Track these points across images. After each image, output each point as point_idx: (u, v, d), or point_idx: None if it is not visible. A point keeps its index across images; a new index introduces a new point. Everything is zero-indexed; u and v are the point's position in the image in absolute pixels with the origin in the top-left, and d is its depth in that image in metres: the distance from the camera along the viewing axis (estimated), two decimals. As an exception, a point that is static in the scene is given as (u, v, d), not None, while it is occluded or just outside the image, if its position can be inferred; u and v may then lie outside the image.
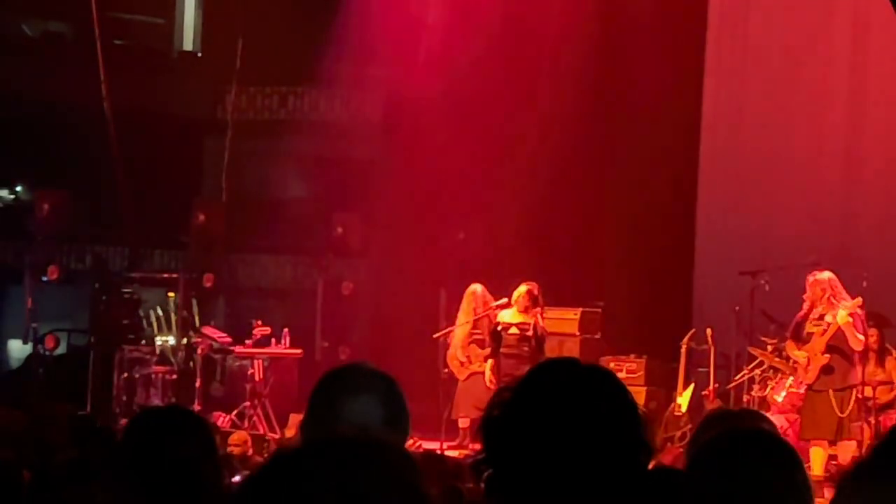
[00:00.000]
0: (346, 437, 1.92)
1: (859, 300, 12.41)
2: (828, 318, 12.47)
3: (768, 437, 2.69)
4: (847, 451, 12.25)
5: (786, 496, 2.61)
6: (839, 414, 12.31)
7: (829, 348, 12.52)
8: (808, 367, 12.67)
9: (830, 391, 12.46)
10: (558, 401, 2.53)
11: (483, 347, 14.48)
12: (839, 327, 12.35)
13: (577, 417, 2.51)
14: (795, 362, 12.92)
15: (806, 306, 12.66)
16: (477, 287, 14.64)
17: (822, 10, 15.57)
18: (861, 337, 12.41)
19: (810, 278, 12.59)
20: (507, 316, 14.28)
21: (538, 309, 14.17)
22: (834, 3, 15.50)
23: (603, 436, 2.51)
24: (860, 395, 12.52)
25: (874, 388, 12.89)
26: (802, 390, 13.22)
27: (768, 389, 13.61)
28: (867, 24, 14.71)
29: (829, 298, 12.44)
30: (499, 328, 14.21)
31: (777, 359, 13.70)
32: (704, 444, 2.63)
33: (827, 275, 12.55)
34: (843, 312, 12.33)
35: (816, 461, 12.20)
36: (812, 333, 12.61)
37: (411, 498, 1.85)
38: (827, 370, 12.53)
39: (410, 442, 12.81)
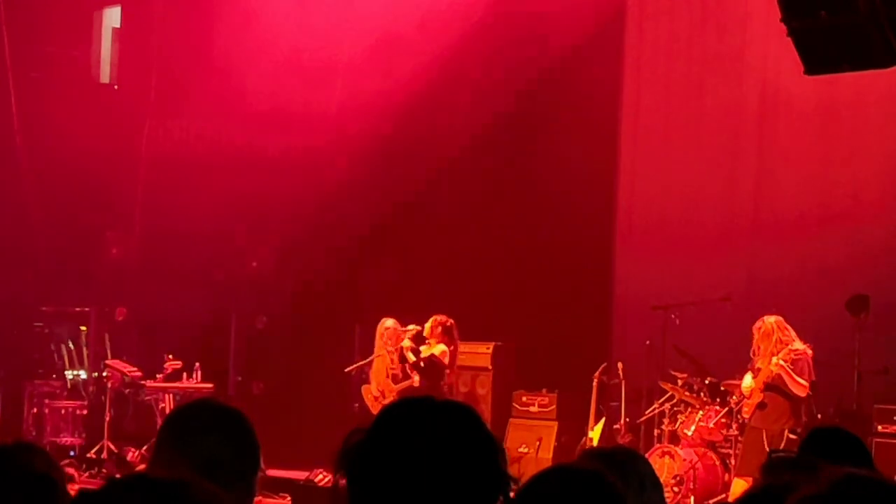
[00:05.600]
0: (149, 476, 1.95)
1: (797, 347, 12.39)
2: (762, 364, 12.53)
3: (580, 476, 2.70)
4: None
5: None
6: (767, 450, 12.37)
7: (767, 387, 12.58)
8: (748, 401, 12.77)
9: (763, 430, 12.56)
10: (413, 438, 2.52)
11: (397, 382, 14.43)
12: (771, 373, 12.44)
13: (432, 453, 2.50)
14: (739, 394, 12.96)
15: (753, 349, 12.70)
16: (388, 321, 14.61)
17: (735, 56, 15.81)
18: (803, 382, 12.39)
19: (757, 325, 12.54)
20: (423, 350, 14.38)
21: (446, 339, 14.21)
22: (744, 51, 15.74)
23: (459, 470, 2.50)
24: (792, 436, 12.52)
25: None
26: (713, 424, 13.34)
27: (678, 423, 13.70)
28: (776, 69, 14.94)
29: (777, 341, 12.43)
30: (421, 364, 14.24)
31: (687, 393, 13.78)
32: (524, 484, 2.65)
33: (773, 319, 12.51)
34: (775, 360, 12.36)
35: (737, 492, 12.28)
36: (760, 369, 12.69)
37: None
38: (761, 406, 12.63)
39: (321, 476, 12.53)
